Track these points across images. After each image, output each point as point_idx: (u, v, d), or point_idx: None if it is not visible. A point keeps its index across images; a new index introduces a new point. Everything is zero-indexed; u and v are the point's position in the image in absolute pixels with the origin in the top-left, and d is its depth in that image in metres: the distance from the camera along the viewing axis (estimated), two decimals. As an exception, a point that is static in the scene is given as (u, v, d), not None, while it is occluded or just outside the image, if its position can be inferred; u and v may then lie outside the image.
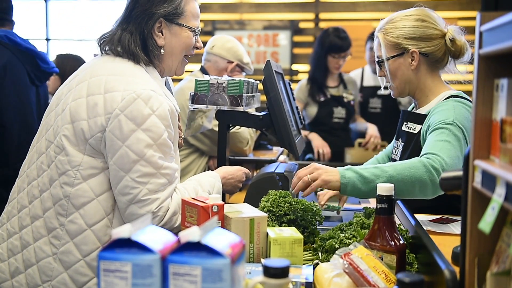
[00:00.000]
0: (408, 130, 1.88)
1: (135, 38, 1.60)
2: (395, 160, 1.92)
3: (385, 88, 1.99)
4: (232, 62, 3.09)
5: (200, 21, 6.12)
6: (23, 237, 1.58)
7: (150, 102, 1.48)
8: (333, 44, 3.72)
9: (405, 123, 1.92)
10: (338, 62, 3.78)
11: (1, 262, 1.60)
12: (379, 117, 4.10)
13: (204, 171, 3.05)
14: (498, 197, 0.84)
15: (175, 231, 1.55)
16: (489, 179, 0.88)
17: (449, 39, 1.81)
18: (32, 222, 1.57)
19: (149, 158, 1.48)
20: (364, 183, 1.54)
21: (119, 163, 1.49)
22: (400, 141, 1.93)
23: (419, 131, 1.82)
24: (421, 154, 1.63)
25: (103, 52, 1.65)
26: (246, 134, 2.92)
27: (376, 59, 1.92)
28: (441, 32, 1.83)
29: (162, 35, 1.63)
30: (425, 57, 1.83)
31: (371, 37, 3.86)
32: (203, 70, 3.13)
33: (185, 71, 1.88)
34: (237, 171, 1.83)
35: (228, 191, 1.83)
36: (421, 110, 1.89)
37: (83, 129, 1.50)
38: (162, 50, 1.64)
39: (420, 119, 1.84)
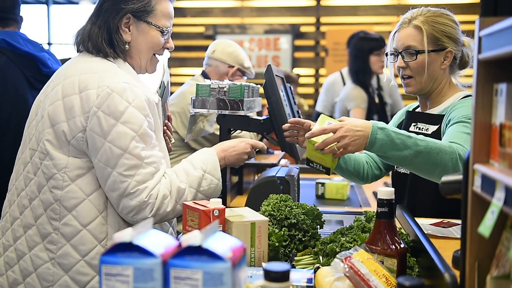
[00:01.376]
0: (420, 131, 1.83)
1: (102, 32, 1.61)
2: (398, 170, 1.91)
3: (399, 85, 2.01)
4: (233, 67, 3.09)
5: (202, 25, 6.10)
6: (18, 248, 1.58)
7: (125, 95, 1.49)
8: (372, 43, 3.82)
9: (413, 124, 1.89)
10: (381, 59, 3.81)
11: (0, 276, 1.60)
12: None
13: None
14: (497, 201, 0.84)
15: (170, 216, 1.58)
16: (489, 183, 0.88)
17: (466, 50, 1.85)
18: (25, 231, 1.57)
19: (132, 151, 1.49)
20: (392, 149, 1.52)
21: (104, 160, 1.49)
22: None
23: (436, 131, 1.79)
24: (448, 140, 1.60)
25: (79, 51, 1.67)
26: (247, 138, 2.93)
27: (405, 48, 1.82)
28: (463, 40, 1.85)
29: (129, 31, 1.63)
30: (453, 60, 1.83)
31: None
32: (204, 75, 3.14)
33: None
34: (239, 143, 1.77)
35: (233, 164, 1.76)
36: (433, 111, 1.86)
37: (64, 131, 1.51)
38: (127, 46, 1.63)
39: (433, 119, 1.82)
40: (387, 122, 3.76)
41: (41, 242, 1.55)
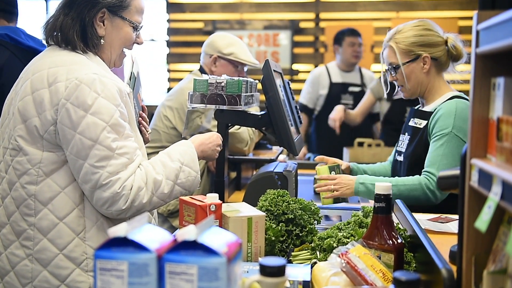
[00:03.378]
0: (415, 125, 2.11)
1: (75, 25, 1.58)
2: (400, 152, 2.16)
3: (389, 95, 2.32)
4: (212, 55, 3.00)
5: (201, 21, 6.08)
6: None
7: (94, 86, 1.48)
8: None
9: (412, 119, 2.15)
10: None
11: None
12: None
13: (203, 171, 3.07)
14: (494, 195, 0.84)
15: (147, 208, 1.55)
16: (486, 178, 0.88)
17: (451, 45, 2.06)
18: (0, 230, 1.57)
19: (103, 142, 1.47)
20: (372, 196, 1.77)
21: (75, 152, 1.48)
22: (407, 134, 2.15)
23: (425, 126, 2.04)
24: (424, 169, 1.93)
25: (48, 43, 1.65)
26: (246, 134, 2.91)
27: (388, 66, 2.13)
28: (443, 39, 2.08)
29: (104, 25, 1.61)
30: (435, 61, 2.07)
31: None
32: (201, 70, 3.13)
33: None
34: (212, 135, 1.79)
35: (209, 156, 1.78)
36: (427, 108, 2.11)
37: (36, 126, 1.50)
38: (102, 41, 1.62)
39: (426, 115, 2.07)
40: (371, 116, 4.05)
41: (16, 240, 1.54)
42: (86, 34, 1.59)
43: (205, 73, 3.03)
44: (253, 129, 2.95)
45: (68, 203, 1.53)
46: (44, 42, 1.67)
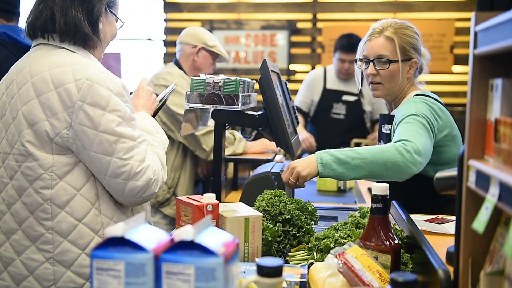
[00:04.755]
0: (387, 132, 2.01)
1: (85, 19, 1.58)
2: None
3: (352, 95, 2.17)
4: (196, 46, 3.12)
5: (198, 20, 6.05)
6: (2, 255, 1.55)
7: (106, 84, 1.51)
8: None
9: (383, 125, 2.05)
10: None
11: None
12: (341, 124, 3.95)
13: (183, 170, 3.08)
14: (492, 197, 0.84)
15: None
16: (483, 179, 0.88)
17: (427, 58, 2.04)
18: (8, 237, 1.55)
19: (125, 134, 1.51)
20: (340, 164, 1.66)
21: (101, 150, 1.49)
22: (382, 142, 2.05)
23: (391, 129, 1.96)
24: (393, 142, 1.74)
25: (35, 39, 1.61)
26: (211, 142, 2.94)
27: (376, 57, 1.96)
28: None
29: (101, 21, 1.64)
30: (417, 70, 2.01)
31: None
32: (176, 62, 3.20)
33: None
34: (146, 92, 1.88)
35: (149, 99, 1.87)
36: (394, 112, 2.01)
37: (46, 130, 1.49)
38: (101, 35, 1.65)
39: (392, 119, 1.97)
40: (363, 129, 3.85)
41: (32, 245, 1.53)
42: (96, 30, 1.62)
43: (179, 65, 3.11)
44: (240, 137, 2.99)
45: (85, 204, 1.54)
46: (27, 36, 1.63)
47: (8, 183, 1.54)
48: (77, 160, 1.53)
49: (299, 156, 3.79)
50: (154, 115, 1.87)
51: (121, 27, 1.74)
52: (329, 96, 4.00)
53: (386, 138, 2.00)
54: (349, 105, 3.95)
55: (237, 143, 2.96)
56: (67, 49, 1.57)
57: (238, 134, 3.05)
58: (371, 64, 1.98)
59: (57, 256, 1.52)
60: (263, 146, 3.07)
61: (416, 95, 1.96)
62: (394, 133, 1.84)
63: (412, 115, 1.81)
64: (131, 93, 1.79)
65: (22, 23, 2.56)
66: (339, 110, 3.97)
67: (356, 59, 2.06)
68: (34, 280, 1.53)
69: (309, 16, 5.70)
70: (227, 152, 2.92)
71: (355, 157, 1.65)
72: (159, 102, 1.91)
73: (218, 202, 1.43)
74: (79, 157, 1.52)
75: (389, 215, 1.30)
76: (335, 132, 3.91)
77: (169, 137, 3.04)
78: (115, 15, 1.69)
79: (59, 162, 1.51)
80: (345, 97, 3.95)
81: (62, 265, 1.53)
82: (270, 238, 1.45)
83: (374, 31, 1.99)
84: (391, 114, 2.03)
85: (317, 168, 1.67)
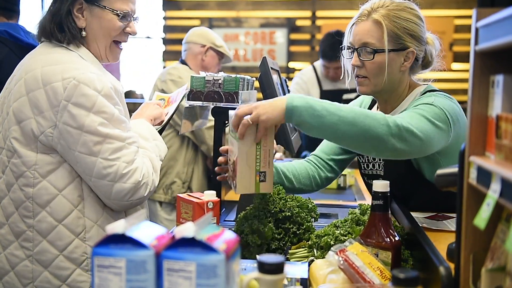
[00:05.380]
0: None
1: (55, 19, 1.56)
2: (373, 176, 1.79)
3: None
4: (205, 46, 3.16)
5: (197, 18, 6.03)
6: None
7: (93, 84, 1.47)
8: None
9: None
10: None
11: None
12: None
13: (196, 164, 3.09)
14: (493, 193, 0.84)
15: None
16: (485, 175, 0.88)
17: (430, 49, 1.67)
18: None
19: (111, 135, 1.48)
20: (312, 116, 1.34)
21: (85, 150, 1.47)
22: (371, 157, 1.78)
23: None
24: None
25: (40, 40, 1.63)
26: (208, 137, 2.95)
27: (361, 45, 1.63)
28: (427, 37, 1.67)
29: (83, 16, 1.57)
30: (415, 61, 1.65)
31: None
32: (182, 61, 3.22)
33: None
34: (150, 105, 1.86)
35: (154, 110, 1.85)
36: (393, 114, 1.68)
37: (32, 128, 1.48)
38: (83, 33, 1.57)
39: None
40: None
41: (16, 241, 1.53)
42: (63, 27, 1.56)
43: (186, 63, 3.14)
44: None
45: (66, 205, 1.52)
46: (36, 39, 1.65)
47: (1, 177, 1.55)
48: (61, 160, 1.51)
49: (298, 155, 3.76)
50: (163, 128, 1.85)
51: (126, 19, 1.60)
52: (328, 99, 3.71)
53: None
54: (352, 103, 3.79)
55: None
56: (67, 48, 1.57)
57: None
58: (355, 53, 1.64)
59: (36, 255, 1.52)
60: None
61: (430, 91, 1.64)
62: None
63: (426, 104, 1.52)
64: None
65: (22, 21, 2.55)
66: None
67: (341, 46, 1.73)
68: (15, 276, 1.53)
69: (308, 13, 5.70)
70: None
71: (334, 112, 1.34)
72: (171, 114, 1.90)
73: (219, 199, 1.43)
74: (65, 157, 1.51)
75: (390, 212, 1.30)
76: None
77: (178, 132, 3.06)
78: (105, 8, 1.56)
79: (42, 161, 1.50)
80: (346, 96, 3.69)
81: (40, 264, 1.52)
82: (259, 242, 1.43)
83: (362, 13, 1.66)
84: None
85: (283, 112, 1.33)
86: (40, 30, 1.59)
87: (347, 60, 1.72)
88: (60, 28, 1.56)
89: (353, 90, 3.93)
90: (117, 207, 1.56)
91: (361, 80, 1.67)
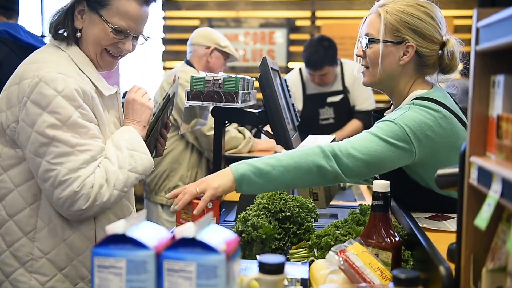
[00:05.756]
0: None
1: (59, 16, 1.59)
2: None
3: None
4: (210, 47, 3.15)
5: (196, 18, 6.02)
6: None
7: (53, 84, 1.45)
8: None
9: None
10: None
11: None
12: (332, 129, 3.55)
13: (200, 168, 3.09)
14: (494, 193, 0.83)
15: (109, 204, 1.51)
16: (485, 176, 0.88)
17: (449, 51, 1.62)
18: None
19: (58, 138, 1.44)
20: (260, 176, 1.43)
21: (33, 150, 1.46)
22: None
23: None
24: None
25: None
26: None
27: (364, 35, 1.68)
28: (441, 39, 1.64)
29: (82, 18, 1.58)
30: (418, 58, 1.63)
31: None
32: (188, 62, 3.22)
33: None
34: (141, 106, 1.68)
35: (142, 114, 1.68)
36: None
37: (2, 121, 1.51)
38: (78, 34, 1.58)
39: None
40: None
41: None
42: (63, 25, 1.58)
43: (191, 65, 3.13)
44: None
45: (20, 202, 1.52)
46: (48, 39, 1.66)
47: None
48: (23, 156, 1.52)
49: None
50: (160, 115, 1.77)
51: (118, 33, 1.57)
52: (312, 102, 3.66)
53: None
54: (337, 106, 3.64)
55: (245, 144, 2.98)
56: (59, 47, 1.58)
57: (248, 134, 3.06)
58: (360, 44, 1.69)
59: None
60: (271, 145, 3.07)
61: (417, 98, 1.60)
62: None
63: (387, 120, 1.53)
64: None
65: (21, 20, 2.55)
66: (326, 114, 3.65)
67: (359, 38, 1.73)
68: None
69: (308, 14, 5.70)
70: (233, 150, 2.93)
71: (276, 165, 1.44)
72: (162, 99, 1.84)
73: (219, 200, 1.42)
74: (23, 153, 1.51)
75: (390, 212, 1.30)
76: (335, 121, 3.64)
77: (182, 136, 3.05)
78: (102, 18, 1.55)
79: (5, 154, 1.52)
80: (330, 99, 3.65)
81: None
82: (264, 236, 1.43)
83: (373, 7, 1.70)
84: (383, 114, 1.76)
85: (232, 181, 1.43)
86: (49, 27, 1.61)
87: (357, 55, 1.75)
88: (60, 25, 1.59)
89: (337, 93, 3.85)
90: (64, 215, 1.52)
91: (364, 70, 1.70)
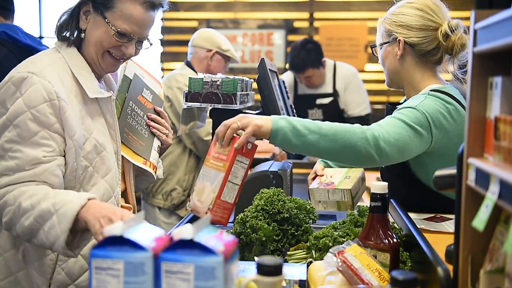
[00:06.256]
0: None
1: (66, 17, 1.59)
2: None
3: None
4: (211, 50, 3.13)
5: (195, 20, 6.02)
6: None
7: (19, 85, 1.44)
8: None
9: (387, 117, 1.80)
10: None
11: None
12: None
13: (198, 171, 3.09)
14: (492, 195, 0.84)
15: (5, 227, 1.44)
16: (483, 177, 0.88)
17: (442, 33, 1.70)
18: None
19: (1, 139, 1.42)
20: (296, 136, 1.46)
21: None
22: None
23: None
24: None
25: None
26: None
27: (372, 45, 1.89)
28: (437, 24, 1.71)
29: (87, 19, 1.57)
30: (412, 48, 1.73)
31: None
32: (188, 64, 3.20)
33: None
34: (116, 210, 1.37)
35: (88, 223, 1.34)
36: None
37: None
38: (82, 34, 1.57)
39: None
40: None
41: None
42: (68, 24, 1.58)
43: (192, 67, 3.11)
44: None
45: None
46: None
47: None
48: None
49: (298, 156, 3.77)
50: (123, 96, 1.71)
51: (121, 37, 1.54)
52: (302, 103, 3.72)
53: None
54: (326, 108, 3.70)
55: None
56: (57, 49, 1.59)
57: None
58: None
59: None
60: (268, 146, 3.07)
61: (432, 90, 1.70)
62: None
63: (409, 107, 1.60)
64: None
65: (19, 22, 2.55)
66: (315, 116, 3.70)
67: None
68: None
69: (306, 15, 5.70)
70: None
71: (315, 130, 1.46)
72: (118, 86, 1.73)
73: (256, 146, 1.41)
74: None
75: (388, 213, 1.30)
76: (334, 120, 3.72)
77: (179, 140, 3.05)
78: (106, 20, 1.53)
79: None
80: (319, 100, 3.72)
81: None
82: (264, 238, 1.43)
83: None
84: (396, 105, 1.84)
85: (269, 130, 1.44)
86: (55, 28, 1.61)
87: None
88: (65, 25, 1.59)
89: (327, 95, 3.96)
90: None
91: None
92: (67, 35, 1.59)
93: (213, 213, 1.37)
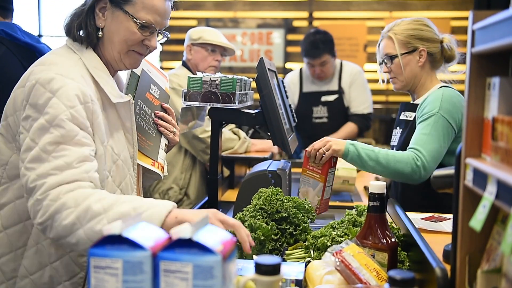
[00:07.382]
0: (406, 118, 2.19)
1: (78, 16, 1.49)
2: (393, 146, 2.23)
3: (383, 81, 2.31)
4: (188, 45, 3.15)
5: (194, 18, 6.00)
6: None
7: (49, 85, 1.34)
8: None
9: (403, 113, 2.23)
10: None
11: None
12: (325, 128, 3.62)
13: (194, 170, 3.09)
14: (489, 195, 0.84)
15: (64, 234, 1.27)
16: (481, 177, 0.88)
17: (447, 45, 2.13)
18: None
19: (40, 142, 1.31)
20: (359, 160, 1.93)
21: (20, 154, 1.35)
22: (398, 128, 2.23)
23: (415, 117, 2.11)
24: (409, 146, 1.97)
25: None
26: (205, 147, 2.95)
27: (384, 57, 2.18)
28: (438, 38, 2.15)
29: (103, 16, 1.48)
30: (430, 56, 2.14)
31: None
32: (184, 64, 3.19)
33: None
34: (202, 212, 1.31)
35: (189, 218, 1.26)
36: (417, 101, 2.17)
37: (10, 125, 1.42)
38: (100, 33, 1.48)
39: (415, 108, 2.14)
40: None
41: None
42: (85, 24, 1.48)
43: (187, 67, 3.12)
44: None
45: (15, 216, 1.44)
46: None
47: None
48: None
49: (297, 156, 3.78)
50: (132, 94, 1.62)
51: (144, 29, 1.48)
52: (307, 100, 3.73)
53: (404, 124, 2.18)
54: (330, 106, 3.69)
55: (240, 144, 2.97)
56: (71, 49, 1.49)
57: (242, 134, 3.05)
58: (383, 63, 2.21)
59: None
60: (267, 146, 3.07)
61: (443, 87, 2.10)
62: (418, 118, 2.04)
63: (433, 115, 1.98)
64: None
65: (17, 20, 2.55)
66: (320, 113, 3.69)
67: (380, 63, 2.25)
68: None
69: (305, 14, 5.70)
70: (228, 151, 2.93)
71: (373, 158, 1.91)
72: (127, 84, 1.65)
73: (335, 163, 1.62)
74: None
75: (386, 213, 1.31)
76: (333, 119, 3.68)
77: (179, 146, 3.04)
78: (128, 14, 1.46)
79: (12, 163, 1.43)
80: (324, 98, 3.71)
81: None
82: (262, 238, 1.44)
83: (382, 34, 2.22)
84: (413, 103, 2.20)
85: (343, 151, 1.92)
86: (65, 27, 1.52)
87: (383, 72, 2.28)
88: (79, 26, 1.49)
89: (332, 93, 4.03)
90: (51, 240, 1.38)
91: (392, 80, 2.23)
92: (81, 34, 1.49)
93: (320, 210, 1.95)
